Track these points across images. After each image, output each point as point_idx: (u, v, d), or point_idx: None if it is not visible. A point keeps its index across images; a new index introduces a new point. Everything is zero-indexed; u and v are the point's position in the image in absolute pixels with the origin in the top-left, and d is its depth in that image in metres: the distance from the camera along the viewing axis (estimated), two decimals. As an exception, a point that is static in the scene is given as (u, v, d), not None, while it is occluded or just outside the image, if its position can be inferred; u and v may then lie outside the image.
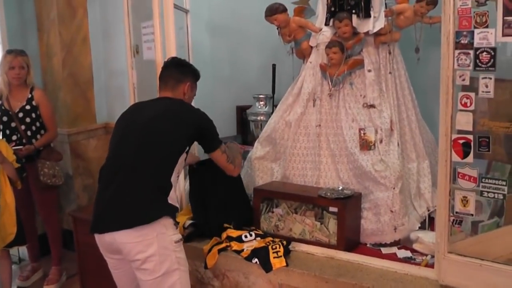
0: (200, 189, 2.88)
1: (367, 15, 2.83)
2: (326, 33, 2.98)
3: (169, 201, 2.27)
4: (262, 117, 3.76)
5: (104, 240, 2.26)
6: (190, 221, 2.85)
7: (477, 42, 2.03)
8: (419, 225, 2.74)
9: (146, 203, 2.22)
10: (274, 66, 3.72)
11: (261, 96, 3.83)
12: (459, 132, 2.12)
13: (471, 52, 2.04)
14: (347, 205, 2.60)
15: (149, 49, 3.09)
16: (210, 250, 2.65)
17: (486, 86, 2.03)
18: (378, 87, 2.86)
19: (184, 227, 2.81)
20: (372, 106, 2.83)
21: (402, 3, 2.83)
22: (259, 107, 3.84)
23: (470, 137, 2.10)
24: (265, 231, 2.80)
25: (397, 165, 2.68)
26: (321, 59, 2.99)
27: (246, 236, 2.69)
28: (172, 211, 2.30)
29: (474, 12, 2.02)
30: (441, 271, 2.22)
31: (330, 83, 2.91)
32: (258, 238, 2.70)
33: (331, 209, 2.65)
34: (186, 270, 2.32)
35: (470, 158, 2.11)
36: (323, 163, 2.93)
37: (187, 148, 2.40)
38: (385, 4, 2.87)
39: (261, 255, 2.54)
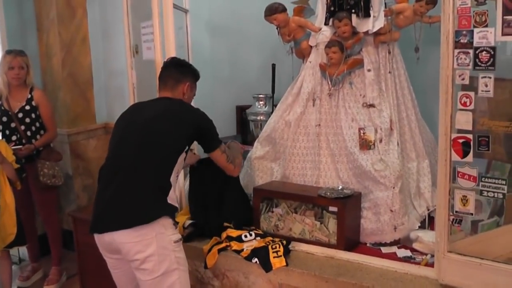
0: (199, 188, 2.88)
1: (367, 15, 2.83)
2: (326, 33, 2.98)
3: (169, 201, 2.28)
4: (261, 117, 3.76)
5: (104, 240, 2.26)
6: (190, 221, 2.85)
7: (476, 41, 2.03)
8: (419, 224, 2.74)
9: (145, 203, 2.22)
10: (273, 65, 3.72)
11: (261, 96, 3.83)
12: (459, 131, 2.12)
13: (471, 51, 2.04)
14: (347, 205, 2.60)
15: (148, 49, 3.09)
16: (210, 250, 2.65)
17: (486, 86, 2.02)
18: (377, 86, 2.85)
19: (184, 227, 2.81)
20: (372, 105, 2.83)
21: (401, 2, 2.83)
22: (259, 107, 3.84)
23: (470, 136, 2.10)
24: (265, 231, 2.80)
25: (396, 164, 2.68)
26: (320, 58, 2.99)
27: (246, 236, 2.69)
28: (171, 211, 2.30)
29: (473, 11, 2.02)
30: (441, 270, 2.22)
31: (329, 83, 2.91)
32: (258, 238, 2.70)
33: (331, 208, 2.65)
34: (185, 270, 2.32)
35: (469, 158, 2.11)
36: (322, 162, 2.93)
37: (187, 148, 2.40)
38: (385, 3, 2.87)
39: (261, 255, 2.54)
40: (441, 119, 2.15)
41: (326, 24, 2.98)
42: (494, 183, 2.11)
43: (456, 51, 2.07)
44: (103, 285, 2.79)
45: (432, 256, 2.35)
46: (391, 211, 2.63)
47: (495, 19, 1.98)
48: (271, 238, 2.70)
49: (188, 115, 2.44)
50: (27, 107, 3.56)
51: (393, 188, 2.63)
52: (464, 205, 2.15)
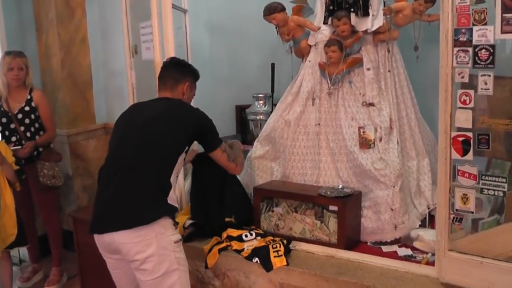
0: (200, 187, 2.87)
1: (366, 14, 2.82)
2: (325, 32, 2.98)
3: (169, 201, 2.27)
4: (261, 116, 3.76)
5: (104, 241, 2.26)
6: (190, 221, 2.85)
7: (476, 39, 2.02)
8: (419, 223, 2.74)
9: (145, 204, 2.22)
10: (273, 65, 3.72)
11: (260, 95, 3.83)
12: (459, 129, 2.12)
13: (470, 49, 2.04)
14: (347, 204, 2.60)
15: (147, 49, 3.09)
16: (210, 250, 2.65)
17: (485, 84, 2.02)
18: (377, 85, 2.85)
19: (184, 227, 2.80)
20: (372, 104, 2.82)
21: (400, 1, 2.82)
22: (259, 106, 3.83)
23: (470, 134, 2.10)
24: (265, 230, 2.80)
25: (396, 163, 2.68)
26: (320, 57, 2.99)
27: (246, 236, 2.69)
28: (171, 212, 2.30)
29: (472, 9, 2.02)
30: (442, 268, 2.22)
31: (329, 82, 2.91)
32: (259, 238, 2.70)
33: (331, 207, 2.65)
34: (185, 270, 2.31)
35: (470, 156, 2.11)
36: (322, 161, 2.93)
37: (187, 148, 2.40)
38: (384, 2, 2.87)
39: (262, 254, 2.54)
40: (441, 117, 2.15)
41: (325, 23, 2.98)
42: (495, 181, 2.11)
43: (456, 49, 2.07)
44: (103, 286, 2.79)
45: (433, 254, 2.35)
46: (392, 210, 2.63)
47: (494, 17, 1.98)
48: (271, 238, 2.70)
49: (188, 115, 2.44)
50: (27, 108, 3.56)
51: (393, 187, 2.63)
52: (464, 203, 2.15)
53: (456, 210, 2.18)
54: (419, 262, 2.43)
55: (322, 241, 2.66)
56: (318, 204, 2.73)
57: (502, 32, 1.97)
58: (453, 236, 2.22)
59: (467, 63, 2.06)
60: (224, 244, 2.67)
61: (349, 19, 2.83)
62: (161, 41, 2.95)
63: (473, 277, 2.13)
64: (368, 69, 2.86)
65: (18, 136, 3.54)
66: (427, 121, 3.04)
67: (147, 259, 2.17)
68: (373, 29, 2.83)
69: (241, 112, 4.10)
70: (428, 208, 2.82)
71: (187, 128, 2.38)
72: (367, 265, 2.45)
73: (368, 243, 2.70)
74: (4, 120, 3.54)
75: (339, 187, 2.74)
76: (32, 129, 3.58)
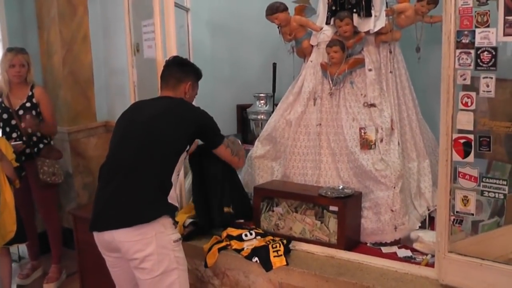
0: (200, 176, 2.85)
1: (368, 14, 2.82)
2: (327, 32, 2.98)
3: (169, 200, 2.28)
4: (262, 116, 3.76)
5: (103, 239, 2.26)
6: (190, 220, 2.85)
7: (478, 41, 2.02)
8: (419, 224, 2.74)
9: (146, 202, 2.22)
10: (274, 65, 3.72)
11: (262, 95, 3.83)
12: (460, 131, 2.12)
13: (472, 51, 2.04)
14: (348, 204, 2.60)
15: (149, 47, 3.09)
16: (210, 249, 2.65)
17: (487, 86, 2.02)
18: (378, 86, 2.85)
19: (184, 225, 2.81)
20: (373, 105, 2.82)
21: (403, 2, 2.83)
22: (260, 106, 3.83)
23: (471, 136, 2.10)
24: (265, 230, 2.80)
25: (397, 164, 2.68)
26: (321, 58, 2.99)
27: (246, 235, 2.69)
28: (171, 211, 2.30)
29: (475, 11, 2.02)
30: (442, 270, 2.22)
31: (330, 82, 2.91)
32: (258, 237, 2.70)
33: (332, 208, 2.65)
34: (185, 270, 2.32)
35: (470, 158, 2.11)
36: (323, 162, 2.93)
37: (188, 147, 2.40)
38: (386, 3, 2.87)
39: (261, 254, 2.53)
40: (442, 119, 2.15)
41: (327, 23, 2.98)
42: (495, 183, 2.11)
43: (458, 51, 2.07)
44: (103, 283, 2.79)
45: (433, 256, 2.35)
46: (392, 211, 2.63)
47: (496, 20, 1.98)
48: (271, 237, 2.69)
49: (189, 114, 2.44)
50: (28, 104, 3.56)
51: (394, 188, 2.63)
52: (465, 205, 2.15)
53: (457, 212, 2.19)
54: (419, 263, 2.43)
55: (322, 242, 2.66)
56: (318, 204, 2.73)
57: (505, 34, 1.97)
58: (453, 238, 2.22)
59: (469, 65, 2.06)
60: (223, 243, 2.67)
61: (352, 19, 2.83)
62: (163, 39, 2.95)
63: (473, 279, 2.13)
64: (370, 69, 2.86)
65: (19, 133, 3.54)
66: (428, 123, 3.04)
67: (146, 257, 2.17)
68: (375, 30, 2.83)
69: (242, 111, 4.10)
70: (428, 210, 2.82)
71: (189, 127, 2.38)
72: (367, 266, 2.45)
73: (368, 244, 2.70)
74: (5, 116, 3.55)
75: (340, 187, 2.74)
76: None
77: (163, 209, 2.24)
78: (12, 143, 3.39)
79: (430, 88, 2.92)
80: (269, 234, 2.74)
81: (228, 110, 4.19)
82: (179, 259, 2.27)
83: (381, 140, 2.75)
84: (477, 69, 2.04)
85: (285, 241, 2.64)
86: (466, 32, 2.05)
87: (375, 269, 2.42)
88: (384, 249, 2.61)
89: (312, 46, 3.06)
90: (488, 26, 2.00)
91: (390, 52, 2.88)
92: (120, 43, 3.76)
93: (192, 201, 3.02)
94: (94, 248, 2.36)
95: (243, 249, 2.60)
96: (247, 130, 3.99)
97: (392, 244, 2.65)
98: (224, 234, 2.72)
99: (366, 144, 2.76)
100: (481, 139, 2.10)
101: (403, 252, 2.56)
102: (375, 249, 2.63)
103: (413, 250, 2.57)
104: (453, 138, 2.13)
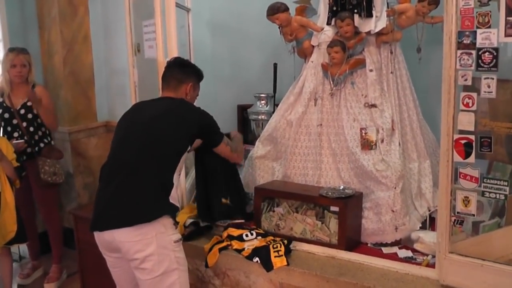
0: (202, 169, 2.87)
1: (369, 15, 2.82)
2: (328, 33, 2.98)
3: (170, 200, 2.28)
4: (263, 116, 3.75)
5: (104, 238, 2.26)
6: (191, 220, 2.85)
7: (479, 42, 2.02)
8: (420, 225, 2.73)
9: (147, 202, 2.22)
10: (275, 65, 3.72)
11: (262, 95, 3.82)
12: (461, 132, 2.12)
13: (474, 52, 2.04)
14: (348, 205, 2.60)
15: (150, 47, 3.09)
16: (211, 249, 2.65)
17: (488, 86, 2.02)
18: (379, 86, 2.85)
19: (184, 225, 2.81)
20: (374, 105, 2.82)
21: (404, 2, 2.83)
22: (260, 106, 3.83)
23: (472, 137, 2.10)
24: (266, 230, 2.80)
25: (398, 164, 2.68)
26: (322, 58, 2.99)
27: (247, 235, 2.69)
28: (172, 211, 2.30)
29: (476, 12, 2.02)
30: (442, 271, 2.22)
31: (331, 83, 2.91)
32: (259, 237, 2.70)
33: (332, 208, 2.65)
34: (185, 270, 2.32)
35: (471, 158, 2.11)
36: (324, 162, 2.92)
37: (189, 147, 2.41)
38: (387, 3, 2.87)
39: (262, 254, 2.54)
40: (443, 119, 2.15)
41: (328, 24, 2.98)
42: (496, 184, 2.11)
43: (459, 51, 2.07)
44: (103, 283, 2.79)
45: (433, 256, 2.35)
46: (392, 211, 2.63)
47: (498, 20, 1.98)
48: (272, 238, 2.70)
49: (191, 115, 2.44)
50: (29, 103, 3.57)
51: (395, 188, 2.63)
52: (465, 206, 2.15)
53: (457, 212, 2.18)
54: (419, 264, 2.43)
55: (323, 242, 2.66)
56: (319, 204, 2.73)
57: (506, 35, 1.97)
58: (454, 239, 2.22)
59: (471, 66, 2.06)
60: (224, 244, 2.67)
61: (353, 20, 2.83)
62: (164, 39, 2.95)
63: (474, 280, 2.13)
64: (371, 70, 2.86)
65: (20, 132, 3.56)
66: (429, 123, 3.03)
67: (147, 258, 2.18)
68: (376, 30, 2.83)
69: (242, 111, 4.10)
70: (429, 210, 2.81)
71: (190, 127, 2.39)
72: (368, 266, 2.45)
73: (369, 244, 2.70)
74: (6, 115, 3.56)
75: (340, 188, 2.74)
76: (35, 124, 3.61)
77: (164, 209, 2.25)
78: (14, 142, 3.40)
79: (431, 89, 2.92)
80: (270, 234, 2.74)
81: (228, 110, 4.19)
82: (180, 259, 2.28)
83: (382, 141, 2.75)
84: (478, 69, 2.04)
85: (285, 242, 2.64)
86: (467, 33, 2.05)
87: (376, 269, 2.42)
88: (385, 250, 2.61)
89: (313, 46, 3.06)
90: (489, 27, 2.00)
91: (391, 52, 2.88)
92: (121, 43, 3.76)
93: (193, 200, 3.03)
94: (95, 248, 2.37)
95: (244, 249, 2.60)
96: (247, 130, 3.98)
97: (392, 244, 2.65)
98: (225, 234, 2.73)
99: (367, 145, 2.76)
100: (482, 139, 2.10)
101: (403, 253, 2.56)
102: (375, 250, 2.63)
103: (414, 251, 2.56)
104: (454, 139, 2.13)
